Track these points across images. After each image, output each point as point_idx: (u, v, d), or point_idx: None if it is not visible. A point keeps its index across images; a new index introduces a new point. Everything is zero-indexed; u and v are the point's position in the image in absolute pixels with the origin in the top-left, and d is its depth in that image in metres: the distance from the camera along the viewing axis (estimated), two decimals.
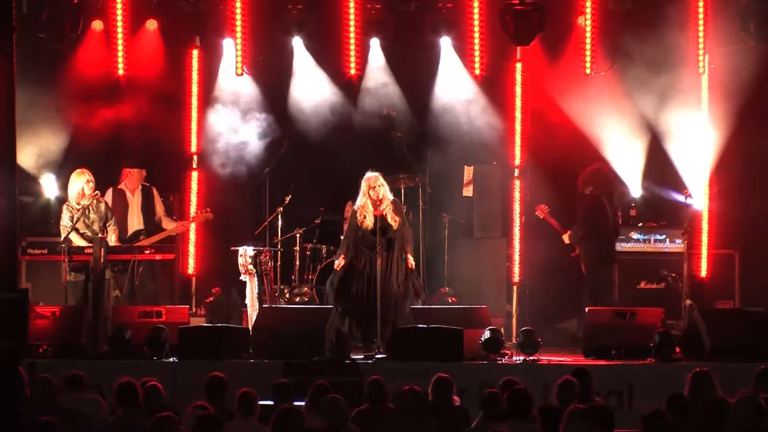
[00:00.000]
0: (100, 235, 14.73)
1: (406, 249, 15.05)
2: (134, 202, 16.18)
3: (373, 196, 14.99)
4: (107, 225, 15.00)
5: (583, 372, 10.57)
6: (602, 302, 15.79)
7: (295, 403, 9.91)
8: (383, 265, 14.84)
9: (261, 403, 10.00)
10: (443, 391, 10.35)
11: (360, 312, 14.95)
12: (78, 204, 14.97)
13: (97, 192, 15.12)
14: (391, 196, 15.17)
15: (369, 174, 15.12)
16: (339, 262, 15.22)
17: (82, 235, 14.93)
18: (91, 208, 15.00)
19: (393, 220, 14.98)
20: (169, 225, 16.15)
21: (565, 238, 16.38)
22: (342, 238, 15.65)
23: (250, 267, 15.52)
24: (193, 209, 17.02)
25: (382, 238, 14.83)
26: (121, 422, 9.62)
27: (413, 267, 15.14)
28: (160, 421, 8.60)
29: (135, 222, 15.98)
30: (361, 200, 15.11)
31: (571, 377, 10.20)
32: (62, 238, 14.80)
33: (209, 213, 16.53)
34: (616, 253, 16.45)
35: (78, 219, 14.91)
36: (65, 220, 14.99)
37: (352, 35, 16.93)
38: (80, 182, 15.03)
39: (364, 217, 15.04)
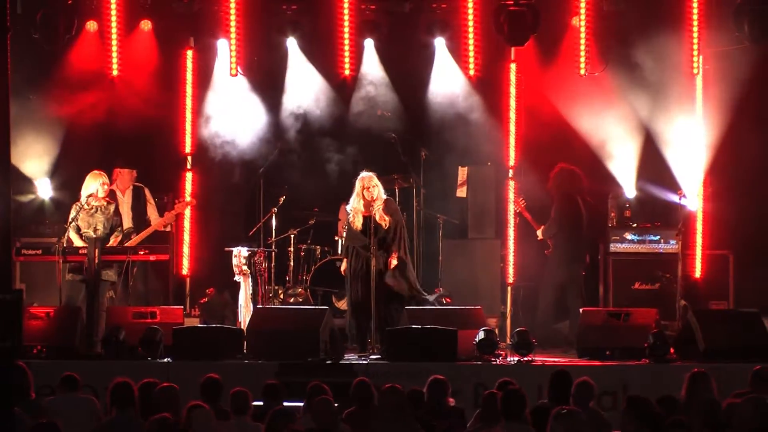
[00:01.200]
0: (94, 236, 14.73)
1: (392, 248, 14.99)
2: (124, 202, 16.17)
3: (367, 197, 14.98)
4: (114, 232, 15.00)
5: (565, 374, 10.56)
6: (569, 302, 15.83)
7: (293, 404, 9.95)
8: (378, 265, 14.83)
9: (254, 403, 10.02)
10: (438, 393, 10.36)
11: (359, 313, 14.93)
12: (89, 205, 14.94)
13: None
14: (384, 196, 15.14)
15: (363, 174, 15.12)
16: (343, 266, 15.25)
17: (81, 236, 14.89)
18: (100, 209, 14.98)
19: (382, 219, 14.95)
20: (156, 221, 16.12)
21: (539, 233, 16.40)
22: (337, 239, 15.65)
23: (245, 268, 15.51)
24: (188, 211, 17.01)
25: (374, 238, 14.82)
26: (114, 423, 9.60)
27: (390, 267, 15.01)
28: (158, 423, 8.62)
29: (126, 221, 15.95)
30: (353, 200, 15.10)
31: (588, 378, 10.20)
32: (65, 237, 14.77)
33: (192, 201, 16.60)
34: (587, 253, 16.43)
35: (81, 218, 14.86)
36: (71, 219, 14.96)
37: (346, 36, 16.93)
38: (96, 183, 15.01)
39: (354, 218, 15.05)
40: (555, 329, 16.31)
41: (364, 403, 10.09)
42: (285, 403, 10.19)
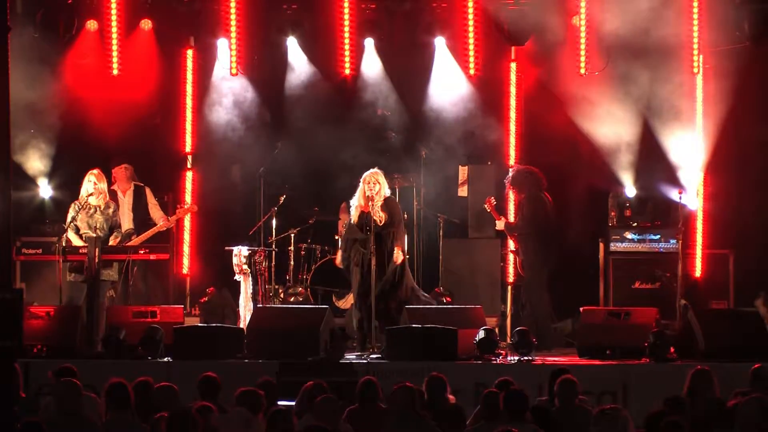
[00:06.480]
0: (93, 235, 14.72)
1: (395, 244, 15.00)
2: (125, 202, 16.18)
3: (368, 192, 14.98)
4: (113, 233, 14.99)
5: (562, 372, 10.55)
6: (537, 304, 15.81)
7: (287, 403, 9.94)
8: (376, 262, 14.82)
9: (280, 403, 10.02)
10: (437, 390, 10.34)
11: (361, 305, 14.96)
12: (87, 205, 14.92)
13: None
14: (386, 194, 15.10)
15: (371, 170, 15.13)
16: (337, 258, 15.38)
17: (81, 236, 14.88)
18: (99, 209, 14.98)
19: (377, 216, 14.95)
20: (158, 222, 16.12)
21: (499, 224, 16.31)
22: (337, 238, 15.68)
23: (245, 267, 15.52)
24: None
25: (372, 234, 14.81)
26: (111, 425, 9.55)
27: (398, 262, 15.01)
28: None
29: (126, 222, 15.95)
30: (356, 195, 15.12)
31: (570, 376, 10.20)
32: (64, 237, 14.76)
33: (193, 207, 16.59)
34: (556, 253, 16.31)
35: (80, 218, 14.86)
36: (70, 220, 14.95)
37: (346, 35, 16.94)
38: (97, 183, 14.99)
39: (353, 213, 15.09)
40: (555, 328, 16.30)
41: (368, 403, 10.07)
42: (283, 402, 10.18)
